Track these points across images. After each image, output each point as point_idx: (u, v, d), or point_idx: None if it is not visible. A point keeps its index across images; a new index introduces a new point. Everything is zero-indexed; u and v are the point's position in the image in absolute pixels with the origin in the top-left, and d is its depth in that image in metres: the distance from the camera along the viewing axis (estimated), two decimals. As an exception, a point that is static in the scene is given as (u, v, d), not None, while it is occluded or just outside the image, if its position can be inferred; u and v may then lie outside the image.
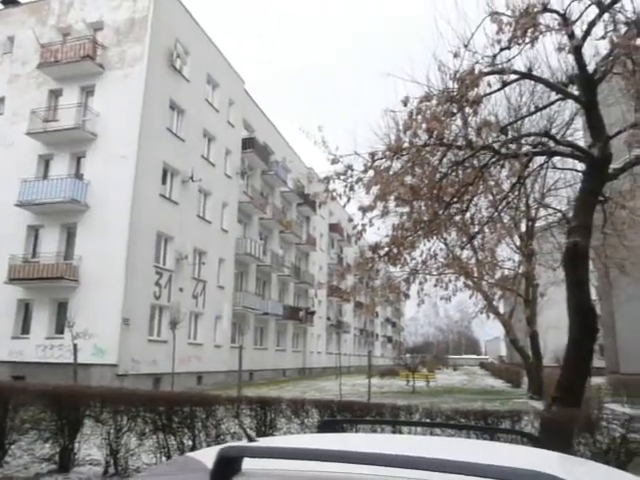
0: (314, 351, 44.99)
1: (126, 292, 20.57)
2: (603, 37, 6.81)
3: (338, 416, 6.93)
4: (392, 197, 8.37)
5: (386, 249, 8.96)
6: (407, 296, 13.25)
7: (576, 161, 9.53)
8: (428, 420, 6.63)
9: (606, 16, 7.10)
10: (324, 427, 2.67)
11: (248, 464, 1.59)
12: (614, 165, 8.22)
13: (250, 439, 2.11)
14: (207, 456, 1.72)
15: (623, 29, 6.92)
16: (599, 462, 5.96)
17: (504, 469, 1.40)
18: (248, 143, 33.00)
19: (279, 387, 26.47)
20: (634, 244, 10.01)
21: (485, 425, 6.50)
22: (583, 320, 7.62)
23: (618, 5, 7.10)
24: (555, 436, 6.84)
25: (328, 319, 49.00)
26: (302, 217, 44.11)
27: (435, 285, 10.01)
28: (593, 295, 25.07)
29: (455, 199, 8.44)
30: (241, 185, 32.34)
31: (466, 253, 10.83)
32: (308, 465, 1.52)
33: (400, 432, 5.81)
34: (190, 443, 6.85)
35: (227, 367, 26.76)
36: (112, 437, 7.04)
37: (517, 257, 21.69)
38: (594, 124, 8.05)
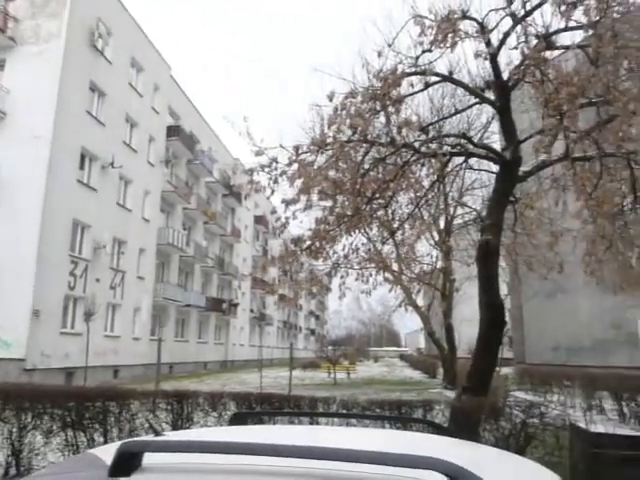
0: (237, 343, 44.65)
1: (37, 282, 19.44)
2: (516, 47, 7.18)
3: (257, 408, 6.93)
4: (315, 191, 8.45)
5: (308, 243, 9.04)
6: (329, 289, 13.40)
7: (491, 163, 10.01)
8: (345, 411, 6.78)
9: (519, 28, 7.52)
10: (235, 420, 2.67)
11: (150, 459, 1.56)
12: (524, 168, 8.73)
13: (156, 433, 2.08)
14: (108, 452, 1.67)
15: (534, 41, 7.34)
16: (501, 447, 6.35)
17: (401, 456, 1.46)
18: (173, 131, 32.08)
19: (200, 380, 26.06)
20: (541, 243, 10.65)
21: (399, 415, 6.73)
22: (492, 314, 8.06)
23: (530, 19, 7.52)
24: (463, 424, 7.20)
25: (251, 311, 48.77)
26: (227, 208, 43.52)
27: (356, 279, 10.22)
28: (504, 290, 26.53)
29: (377, 195, 8.64)
30: (165, 174, 31.42)
31: (387, 248, 11.12)
32: (211, 458, 1.52)
33: (317, 423, 5.92)
34: (102, 439, 6.61)
35: (146, 360, 25.99)
36: (15, 436, 6.66)
37: (435, 253, 22.61)
38: (507, 128, 8.51)
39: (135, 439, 2.07)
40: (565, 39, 7.76)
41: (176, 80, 33.74)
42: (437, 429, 2.83)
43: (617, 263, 8.87)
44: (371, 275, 9.80)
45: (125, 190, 26.94)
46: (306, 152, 8.46)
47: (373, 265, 9.58)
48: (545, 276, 10.19)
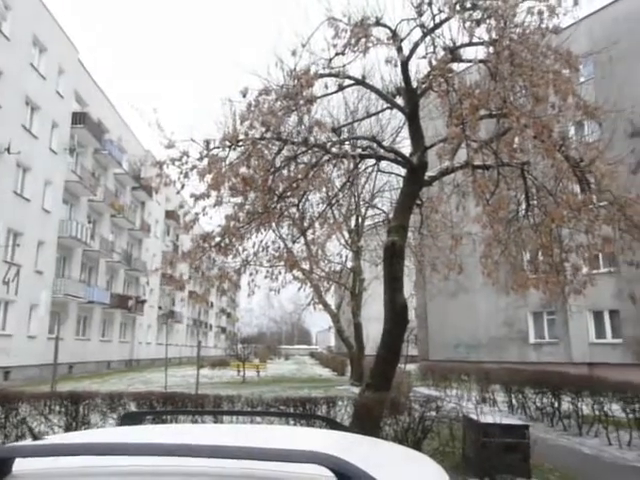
0: (143, 342, 43.08)
1: None
2: (424, 57, 7.50)
3: (158, 408, 6.75)
4: (226, 187, 8.35)
5: (218, 239, 8.92)
6: (238, 287, 13.22)
7: (400, 166, 10.37)
8: (249, 409, 6.77)
9: (428, 39, 7.86)
10: (126, 420, 2.59)
11: (24, 465, 1.49)
12: (430, 173, 9.14)
13: (35, 437, 1.98)
14: None
15: (442, 53, 7.71)
16: (400, 440, 6.60)
17: (284, 452, 1.49)
18: (79, 117, 30.33)
19: (102, 380, 24.92)
20: (445, 245, 11.17)
21: (302, 412, 6.82)
22: (396, 312, 8.36)
23: (439, 31, 7.89)
24: (366, 419, 7.43)
25: (160, 308, 47.25)
26: (137, 202, 41.87)
27: (266, 277, 10.21)
28: (411, 290, 27.47)
29: (288, 193, 8.69)
30: (69, 163, 29.62)
31: (298, 246, 11.20)
32: (95, 460, 1.47)
33: (222, 421, 5.87)
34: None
35: (42, 360, 24.38)
36: None
37: (345, 252, 23.08)
38: (415, 134, 8.87)
39: (6, 445, 1.96)
40: (470, 54, 8.22)
41: (84, 65, 31.96)
42: (332, 425, 2.90)
43: (510, 265, 9.51)
44: (280, 273, 9.84)
45: (23, 178, 25.14)
46: (218, 147, 8.34)
47: (283, 263, 9.61)
48: (446, 276, 10.71)
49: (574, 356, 22.16)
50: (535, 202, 9.51)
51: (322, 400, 7.25)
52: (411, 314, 33.18)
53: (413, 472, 1.79)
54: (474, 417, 7.57)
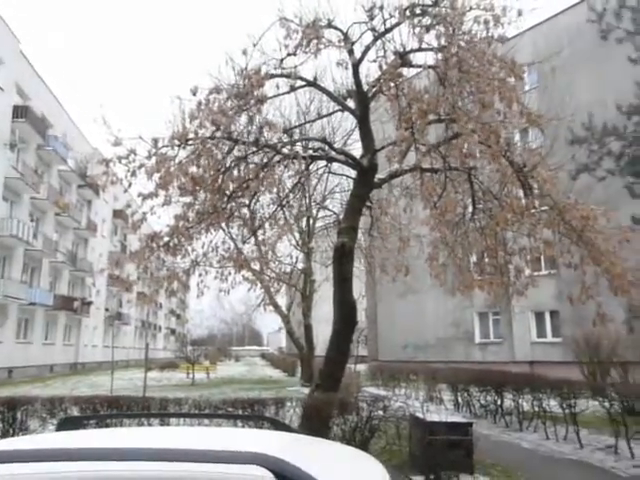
0: (89, 344, 41.73)
1: None
2: (375, 61, 7.60)
3: (102, 412, 6.56)
4: (175, 186, 8.20)
5: (166, 239, 8.74)
6: (187, 288, 13.04)
7: (351, 169, 10.45)
8: (197, 411, 6.67)
9: (379, 43, 7.97)
10: (63, 426, 2.50)
11: None
12: (379, 175, 9.26)
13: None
14: None
15: (392, 57, 7.83)
16: (348, 439, 6.64)
17: (221, 453, 1.48)
18: (21, 111, 29.07)
19: (44, 384, 23.96)
20: (393, 247, 11.32)
21: (251, 413, 6.77)
22: (345, 313, 8.44)
23: (389, 36, 8.02)
24: (315, 419, 7.45)
25: (107, 310, 45.90)
26: (83, 200, 40.53)
27: (215, 277, 10.09)
28: (362, 291, 27.71)
29: (238, 193, 8.62)
30: (9, 158, 28.34)
31: (249, 247, 11.12)
32: (23, 467, 1.42)
33: (169, 425, 5.74)
34: None
35: (-22, 365, 23.28)
36: None
37: (296, 253, 23.08)
38: (365, 137, 8.97)
39: None
40: (420, 59, 8.38)
41: (26, 56, 30.68)
42: (278, 426, 2.90)
43: (457, 267, 9.75)
44: (230, 274, 9.74)
45: (-41, 173, 23.92)
46: (166, 146, 8.18)
47: (232, 264, 9.52)
48: (394, 278, 10.88)
49: (517, 355, 22.94)
50: (481, 206, 9.79)
51: (271, 401, 7.23)
52: (361, 315, 33.49)
53: (354, 470, 1.81)
54: (420, 416, 7.72)
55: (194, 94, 7.84)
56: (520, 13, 7.20)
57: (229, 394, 15.40)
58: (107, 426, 4.89)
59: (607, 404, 8.87)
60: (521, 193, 9.24)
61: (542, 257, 15.13)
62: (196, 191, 8.14)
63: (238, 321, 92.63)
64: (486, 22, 7.33)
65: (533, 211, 9.19)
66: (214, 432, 2.52)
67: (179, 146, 8.14)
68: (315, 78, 9.29)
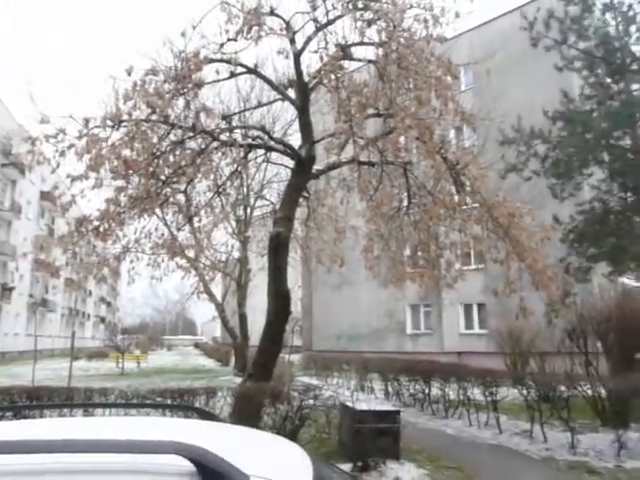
0: (10, 332, 39.58)
1: None
2: (316, 51, 7.60)
3: (21, 403, 6.28)
4: (107, 169, 7.90)
5: (96, 223, 8.42)
6: (118, 274, 12.62)
7: (290, 159, 10.43)
8: (124, 401, 6.50)
9: (321, 34, 7.97)
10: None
11: None
12: (317, 166, 9.30)
13: None
14: None
15: (333, 49, 7.85)
16: (278, 428, 6.67)
17: (137, 443, 1.45)
18: (-63, 82, 27.04)
19: (-42, 375, 22.56)
20: (330, 238, 11.42)
21: (180, 403, 6.67)
22: (279, 303, 8.45)
23: (332, 28, 8.04)
24: (246, 408, 7.45)
25: (31, 296, 43.69)
26: (7, 180, 38.25)
27: (148, 264, 9.84)
28: (298, 281, 27.81)
29: (174, 179, 8.42)
30: None
31: (184, 234, 10.90)
32: None
33: (93, 415, 5.57)
34: None
35: None
36: None
37: (232, 242, 22.84)
38: (305, 127, 8.97)
39: None
40: (361, 54, 8.45)
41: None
42: (204, 415, 2.88)
43: (390, 260, 9.98)
44: (163, 261, 9.53)
45: None
46: (98, 126, 7.86)
47: (166, 251, 9.31)
48: (329, 269, 11.00)
49: (446, 346, 23.78)
50: (416, 200, 10.04)
51: (201, 391, 7.16)
52: (297, 305, 33.66)
53: (276, 458, 1.83)
54: (350, 405, 7.88)
55: (129, 74, 7.57)
56: (458, 15, 7.41)
57: (159, 384, 15.10)
58: (25, 418, 4.68)
59: (525, 392, 9.38)
60: (453, 189, 9.56)
61: (472, 252, 15.75)
62: (129, 175, 7.88)
63: (172, 310, 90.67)
64: (425, 21, 7.50)
65: (464, 207, 9.54)
66: (135, 422, 2.47)
67: (112, 127, 7.85)
68: (256, 65, 9.19)
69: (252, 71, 8.79)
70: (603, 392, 9.70)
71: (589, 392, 9.61)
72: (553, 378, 10.33)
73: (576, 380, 9.66)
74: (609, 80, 13.58)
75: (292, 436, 7.09)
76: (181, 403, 6.64)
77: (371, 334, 26.51)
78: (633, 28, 13.06)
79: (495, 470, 7.77)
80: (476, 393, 10.95)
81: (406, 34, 7.74)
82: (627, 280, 15.80)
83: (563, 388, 9.12)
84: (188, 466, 1.41)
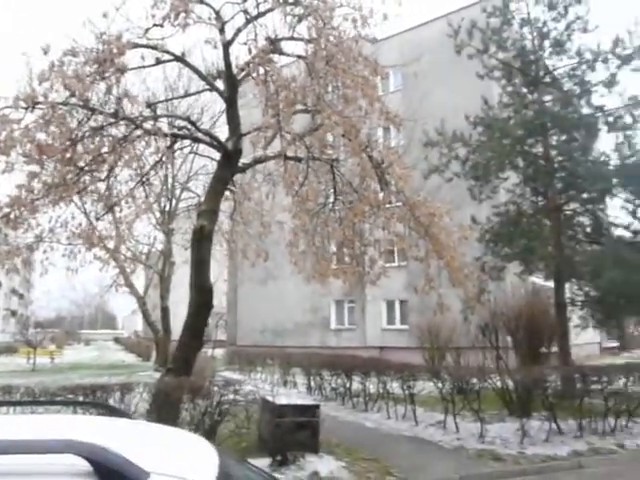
0: None
1: None
2: (245, 43, 7.52)
3: None
4: (19, 152, 7.45)
5: (6, 210, 7.92)
6: (30, 265, 11.91)
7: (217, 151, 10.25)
8: (30, 399, 6.17)
9: (251, 27, 7.89)
10: None
11: None
12: (244, 160, 9.21)
13: None
14: None
15: (263, 42, 7.80)
16: (197, 424, 6.57)
17: (28, 442, 1.39)
18: None
19: None
20: (256, 232, 11.35)
21: (92, 400, 6.42)
22: (201, 296, 8.30)
23: (262, 21, 7.98)
24: (164, 404, 7.27)
25: None
26: None
27: (63, 255, 9.37)
28: (224, 275, 27.39)
29: (93, 166, 8.06)
30: None
31: (104, 224, 10.47)
32: None
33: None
34: None
35: None
36: None
37: (155, 234, 22.20)
38: (232, 120, 8.85)
39: None
40: (291, 49, 8.43)
41: None
42: (111, 411, 2.79)
43: (314, 255, 10.05)
44: (80, 252, 9.10)
45: None
46: (10, 107, 7.39)
47: (82, 241, 8.90)
48: (253, 263, 10.95)
49: (368, 341, 24.32)
50: (341, 197, 10.17)
51: (116, 387, 6.92)
52: (222, 300, 33.22)
53: (179, 453, 1.80)
54: (270, 399, 7.89)
55: (45, 53, 7.17)
56: (386, 17, 7.56)
57: (75, 380, 14.45)
58: None
59: (440, 385, 9.78)
60: (378, 188, 9.77)
61: (395, 250, 16.19)
62: (43, 160, 7.46)
63: (91, 303, 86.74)
64: (354, 20, 7.60)
65: (388, 206, 9.77)
66: (34, 420, 2.35)
67: (25, 109, 7.40)
68: (183, 54, 8.95)
69: (179, 59, 8.57)
70: (511, 384, 10.27)
71: (499, 384, 10.16)
72: (467, 372, 10.84)
73: (487, 373, 10.20)
74: (525, 90, 14.39)
75: (211, 432, 7.02)
76: (93, 400, 6.38)
77: (296, 329, 26.64)
78: (547, 43, 13.89)
79: (410, 460, 8.04)
80: (395, 387, 11.29)
81: (335, 32, 7.82)
82: (536, 279, 16.80)
83: (475, 381, 9.60)
84: (84, 465, 1.36)
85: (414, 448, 8.85)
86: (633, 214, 13.07)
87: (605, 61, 13.09)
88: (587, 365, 12.07)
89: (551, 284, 14.51)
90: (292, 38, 8.17)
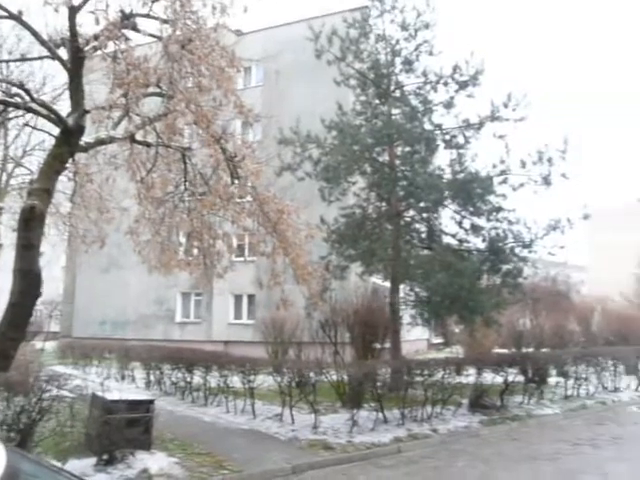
0: None
1: None
2: (93, 12, 6.98)
3: None
4: None
5: None
6: None
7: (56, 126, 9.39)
8: None
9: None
10: None
11: None
12: (87, 139, 8.54)
13: None
14: None
15: (115, 15, 7.29)
16: (10, 424, 5.97)
17: None
18: None
19: None
20: (99, 218, 10.64)
21: None
22: (27, 283, 7.53)
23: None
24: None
25: None
26: None
27: None
28: (62, 262, 25.23)
29: None
30: None
31: None
32: None
33: None
34: None
35: None
36: None
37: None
38: (75, 94, 8.14)
39: None
40: (148, 28, 7.99)
41: None
42: None
43: (159, 245, 9.68)
44: None
45: None
46: None
47: None
48: (87, 249, 10.28)
49: (214, 335, 24.02)
50: (192, 188, 9.91)
51: None
52: (59, 287, 30.55)
53: None
54: (100, 394, 7.45)
55: None
56: (246, 10, 7.51)
57: None
58: None
59: (279, 378, 10.02)
60: (230, 181, 9.69)
61: (246, 244, 16.22)
62: None
63: None
64: (214, 8, 7.43)
65: (238, 200, 9.76)
66: None
67: None
68: (20, 12, 8.06)
69: (15, 17, 7.70)
70: (346, 377, 10.86)
71: (334, 377, 10.68)
72: (305, 365, 11.22)
73: (325, 367, 10.66)
74: (377, 101, 15.26)
75: (28, 431, 6.43)
76: None
77: (138, 321, 25.44)
78: (398, 60, 14.89)
79: (244, 453, 8.12)
80: (236, 381, 11.32)
81: (194, 17, 7.59)
82: (376, 279, 17.93)
83: (313, 374, 9.98)
84: None
85: (250, 441, 8.95)
86: (459, 224, 14.58)
87: (446, 84, 14.41)
88: (413, 359, 13.22)
89: (389, 285, 15.60)
90: (148, 16, 7.74)
